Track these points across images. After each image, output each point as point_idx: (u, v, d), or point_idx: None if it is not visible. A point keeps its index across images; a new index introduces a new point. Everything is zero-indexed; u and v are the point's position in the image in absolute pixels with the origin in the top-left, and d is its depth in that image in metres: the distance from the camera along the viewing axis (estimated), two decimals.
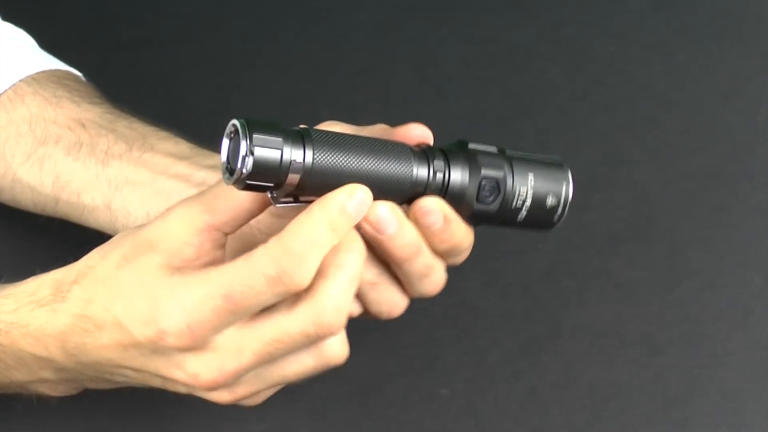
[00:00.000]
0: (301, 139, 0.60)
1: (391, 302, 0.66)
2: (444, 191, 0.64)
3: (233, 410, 0.75)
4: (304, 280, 0.60)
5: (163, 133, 0.78)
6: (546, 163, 0.66)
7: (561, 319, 0.80)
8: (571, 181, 0.66)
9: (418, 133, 0.66)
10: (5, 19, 0.87)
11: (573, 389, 0.76)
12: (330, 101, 0.94)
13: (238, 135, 0.59)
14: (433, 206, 0.63)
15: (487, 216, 0.65)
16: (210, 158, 0.76)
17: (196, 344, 0.61)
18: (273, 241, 0.60)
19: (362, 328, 0.72)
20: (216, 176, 0.71)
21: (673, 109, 0.94)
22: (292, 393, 0.76)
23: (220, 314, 0.60)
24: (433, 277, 0.66)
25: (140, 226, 0.64)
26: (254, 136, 0.59)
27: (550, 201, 0.66)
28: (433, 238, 0.64)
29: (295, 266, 0.60)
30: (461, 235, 0.65)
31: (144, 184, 0.75)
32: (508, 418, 0.75)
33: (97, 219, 0.77)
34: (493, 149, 0.66)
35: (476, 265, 0.81)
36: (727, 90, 0.95)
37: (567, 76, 0.97)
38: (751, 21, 1.01)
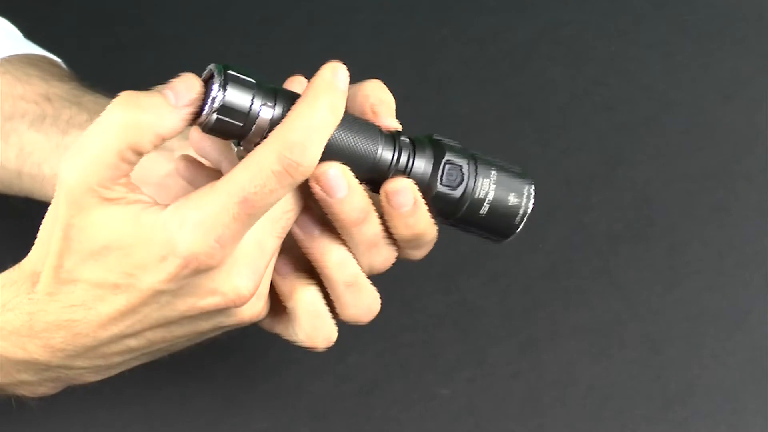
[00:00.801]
0: (274, 93, 0.61)
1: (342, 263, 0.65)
2: (408, 173, 0.64)
3: (233, 410, 0.75)
4: (312, 167, 0.60)
5: None
6: (509, 168, 0.66)
7: (561, 319, 0.80)
8: (533, 187, 0.66)
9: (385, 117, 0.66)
10: (6, 19, 0.87)
11: (573, 389, 0.76)
12: None
13: (213, 77, 0.61)
14: (406, 186, 0.63)
15: (450, 202, 0.64)
16: None
17: (225, 258, 0.60)
18: (273, 135, 0.60)
19: (362, 327, 0.72)
20: (175, 141, 0.71)
21: (673, 109, 0.94)
22: (292, 393, 0.76)
23: (242, 220, 0.59)
24: (382, 249, 0.65)
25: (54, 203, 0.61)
26: (229, 73, 0.60)
27: (512, 200, 0.65)
28: (398, 222, 0.64)
29: (299, 156, 0.59)
30: (426, 223, 0.64)
31: None
32: (508, 418, 0.75)
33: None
34: (458, 144, 0.66)
35: (476, 265, 0.82)
36: (727, 90, 0.95)
37: (567, 76, 0.97)
38: (751, 21, 1.01)
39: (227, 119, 0.60)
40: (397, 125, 0.65)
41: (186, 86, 0.60)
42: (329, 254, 0.64)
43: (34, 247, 0.62)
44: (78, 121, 0.77)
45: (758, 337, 0.79)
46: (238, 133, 0.61)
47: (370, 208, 0.64)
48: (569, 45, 0.99)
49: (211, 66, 0.61)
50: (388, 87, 0.99)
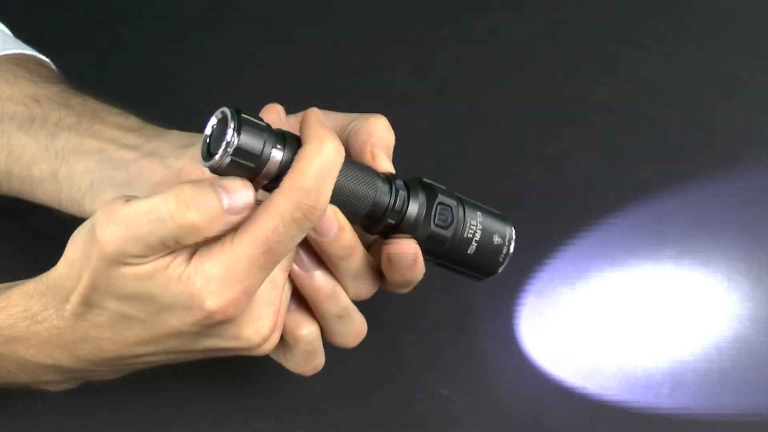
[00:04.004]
0: (282, 137, 0.63)
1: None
2: (403, 215, 0.66)
3: (233, 410, 0.75)
4: (326, 208, 0.62)
5: (115, 110, 0.79)
6: (492, 211, 0.70)
7: (561, 319, 0.80)
8: (513, 230, 0.70)
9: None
10: (6, 19, 0.87)
11: (572, 389, 0.77)
12: (330, 101, 0.94)
13: (226, 120, 0.61)
14: (408, 249, 0.66)
15: (442, 241, 0.67)
16: (160, 132, 0.76)
17: (247, 305, 0.62)
18: (289, 184, 0.61)
19: None
20: (167, 147, 0.73)
21: (673, 109, 0.94)
22: (292, 392, 0.76)
23: (267, 268, 0.62)
24: (366, 280, 0.68)
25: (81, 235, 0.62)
26: (243, 117, 0.61)
27: (496, 240, 0.69)
28: (395, 274, 0.67)
29: (315, 201, 0.61)
30: (420, 273, 0.68)
31: (90, 153, 0.75)
32: (508, 418, 0.75)
33: (44, 191, 0.76)
34: (444, 187, 0.69)
35: None
36: (727, 90, 0.95)
37: (567, 76, 0.97)
38: (751, 21, 1.01)
39: (241, 161, 0.61)
40: (391, 170, 0.68)
41: (241, 196, 0.61)
42: (322, 289, 0.67)
43: (62, 263, 0.63)
44: (67, 123, 0.77)
45: (760, 337, 0.79)
46: (247, 175, 0.62)
47: (357, 244, 0.67)
48: (569, 45, 1.00)
49: (224, 109, 0.62)
50: (388, 87, 0.99)
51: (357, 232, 0.67)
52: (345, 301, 0.68)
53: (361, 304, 0.69)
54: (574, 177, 0.89)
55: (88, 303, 0.62)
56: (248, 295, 0.62)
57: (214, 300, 0.61)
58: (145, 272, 0.61)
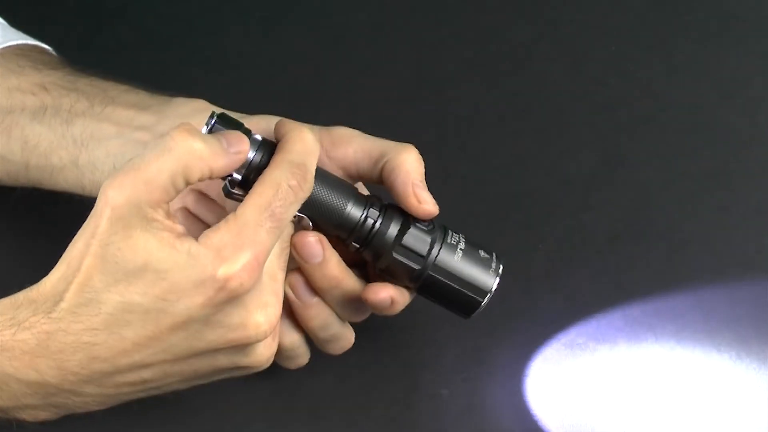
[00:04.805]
0: (259, 143, 0.66)
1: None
2: (375, 229, 0.67)
3: (233, 409, 0.75)
4: (312, 184, 0.65)
5: (123, 86, 0.79)
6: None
7: (560, 319, 0.80)
8: (501, 265, 0.69)
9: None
10: (5, 18, 0.87)
11: (572, 389, 0.76)
12: (330, 101, 0.94)
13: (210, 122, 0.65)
14: (385, 296, 0.68)
15: (424, 242, 0.67)
16: (171, 105, 0.77)
17: (258, 279, 0.63)
18: (280, 158, 0.65)
19: (362, 327, 0.72)
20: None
21: (673, 109, 0.94)
22: (292, 393, 0.76)
23: (273, 234, 0.63)
24: (354, 309, 0.70)
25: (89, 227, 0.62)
26: (218, 117, 0.65)
27: (483, 254, 0.68)
28: (377, 312, 0.70)
29: (304, 172, 0.64)
30: (402, 306, 0.70)
31: (109, 137, 0.76)
32: (508, 418, 0.75)
33: (66, 178, 0.76)
34: None
35: None
36: (727, 90, 0.95)
37: (567, 76, 0.97)
38: (751, 21, 1.01)
39: None
40: (437, 209, 0.68)
41: (236, 138, 0.65)
42: (315, 319, 0.70)
43: (57, 267, 0.63)
44: (79, 108, 0.77)
45: (757, 338, 0.79)
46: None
47: (344, 277, 0.69)
48: (569, 45, 0.99)
49: (212, 111, 0.66)
50: (388, 87, 0.99)
51: (345, 252, 0.69)
52: (334, 329, 0.70)
53: None
54: (574, 177, 0.89)
55: (83, 296, 0.61)
56: (259, 262, 0.62)
57: (227, 267, 0.61)
58: (154, 237, 0.61)
